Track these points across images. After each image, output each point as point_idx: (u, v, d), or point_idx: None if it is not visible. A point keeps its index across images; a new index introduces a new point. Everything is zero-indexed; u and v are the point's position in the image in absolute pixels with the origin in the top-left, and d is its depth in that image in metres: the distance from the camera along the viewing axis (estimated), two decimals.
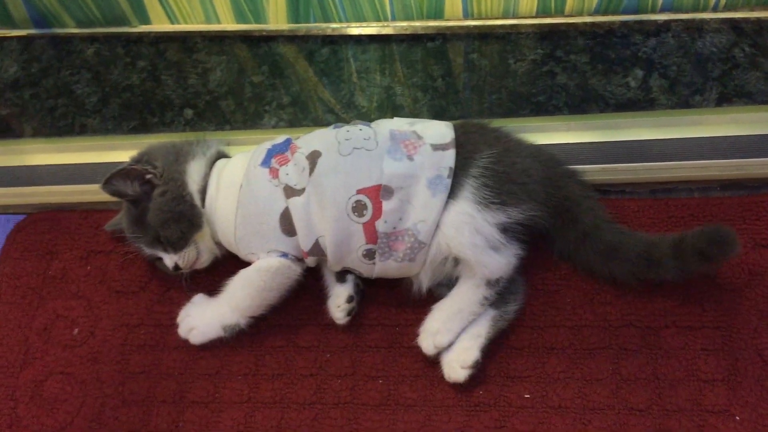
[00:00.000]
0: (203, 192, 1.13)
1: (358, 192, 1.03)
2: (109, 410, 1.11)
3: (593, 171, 1.16)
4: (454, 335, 1.06)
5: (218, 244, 1.15)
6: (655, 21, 1.31)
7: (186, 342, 1.14)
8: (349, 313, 1.11)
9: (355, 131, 1.08)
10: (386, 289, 1.14)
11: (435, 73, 1.33)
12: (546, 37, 1.33)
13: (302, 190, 1.05)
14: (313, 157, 1.06)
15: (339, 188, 1.03)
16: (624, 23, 1.31)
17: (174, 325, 1.15)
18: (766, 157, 1.15)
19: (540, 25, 1.33)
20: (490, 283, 1.05)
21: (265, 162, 1.09)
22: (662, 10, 1.30)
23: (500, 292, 1.07)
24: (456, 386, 1.06)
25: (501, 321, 1.07)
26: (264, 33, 1.41)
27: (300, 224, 1.05)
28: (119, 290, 1.21)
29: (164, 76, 1.41)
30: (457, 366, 1.05)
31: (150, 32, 1.44)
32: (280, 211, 1.06)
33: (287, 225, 1.06)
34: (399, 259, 1.05)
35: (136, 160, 1.13)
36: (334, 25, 1.39)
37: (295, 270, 1.09)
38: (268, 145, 1.12)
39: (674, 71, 1.26)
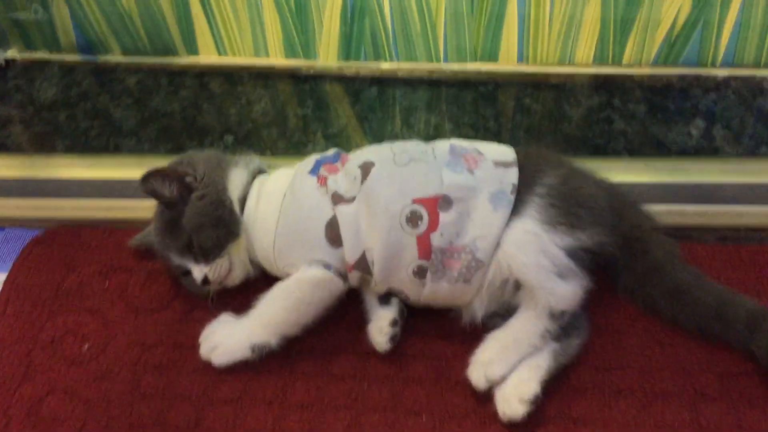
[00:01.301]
0: (243, 201, 1.06)
1: (414, 201, 0.96)
2: None
3: (658, 212, 1.09)
4: (509, 368, 0.95)
5: (252, 261, 1.07)
6: (715, 77, 1.28)
7: (207, 364, 1.02)
8: (392, 338, 1.01)
9: (412, 144, 1.03)
10: (432, 320, 1.04)
11: (487, 114, 1.29)
12: (602, 86, 1.30)
13: (352, 199, 0.98)
14: (366, 167, 0.99)
15: (393, 197, 0.96)
16: (682, 77, 1.29)
17: (196, 347, 1.04)
18: None
19: (596, 75, 1.31)
20: (553, 315, 0.95)
21: (314, 170, 1.03)
22: (723, 65, 1.28)
23: (564, 326, 0.97)
24: (512, 427, 0.93)
25: (562, 355, 0.96)
26: (312, 72, 1.39)
27: (347, 234, 0.97)
28: (138, 307, 1.11)
29: (206, 105, 1.37)
30: (514, 400, 0.92)
31: (196, 64, 1.42)
32: (327, 219, 0.98)
33: (333, 234, 0.98)
34: (453, 280, 0.96)
35: (177, 163, 1.07)
36: (384, 66, 1.37)
37: (338, 285, 0.99)
38: (317, 156, 1.06)
39: (737, 124, 1.22)
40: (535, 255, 0.94)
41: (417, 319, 1.04)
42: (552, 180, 0.98)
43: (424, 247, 0.95)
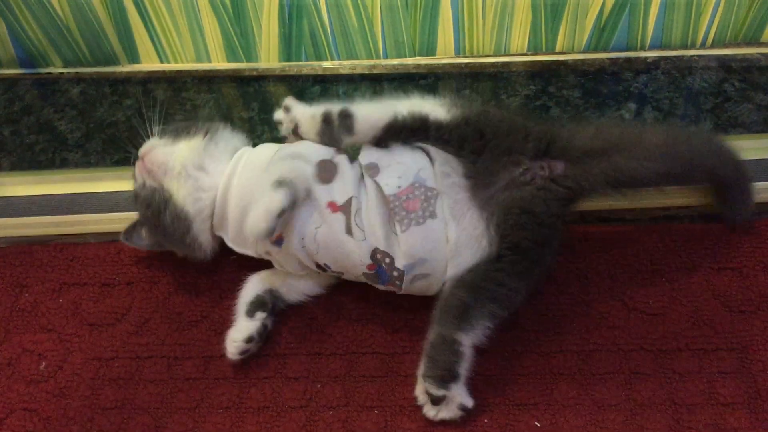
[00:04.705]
0: None
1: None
2: None
3: None
4: None
5: None
6: (645, 59, 1.32)
7: (163, 375, 1.05)
8: (242, 353, 1.05)
9: None
10: (378, 316, 1.07)
11: None
12: (537, 74, 1.33)
13: None
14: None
15: None
16: (614, 61, 1.32)
17: (152, 357, 1.07)
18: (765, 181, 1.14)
19: (532, 62, 1.33)
20: None
21: None
22: (651, 48, 1.32)
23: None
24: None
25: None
26: (255, 73, 1.40)
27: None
28: (93, 323, 1.13)
29: (151, 113, 1.38)
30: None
31: (138, 72, 1.42)
32: (321, 158, 1.02)
33: (324, 172, 1.01)
34: (420, 220, 0.97)
35: None
36: (326, 64, 1.38)
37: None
38: None
39: (667, 104, 1.26)
40: None
41: (365, 316, 1.08)
42: None
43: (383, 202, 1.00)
